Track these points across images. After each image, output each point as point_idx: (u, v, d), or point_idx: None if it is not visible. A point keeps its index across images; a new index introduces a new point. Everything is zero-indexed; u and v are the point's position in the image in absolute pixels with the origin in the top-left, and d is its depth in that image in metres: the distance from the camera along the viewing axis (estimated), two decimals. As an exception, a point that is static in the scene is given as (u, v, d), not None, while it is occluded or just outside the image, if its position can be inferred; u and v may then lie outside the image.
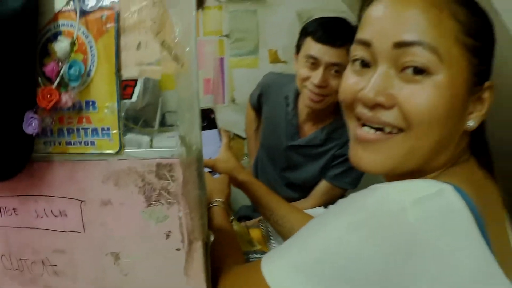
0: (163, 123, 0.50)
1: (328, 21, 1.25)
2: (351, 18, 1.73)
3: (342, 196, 1.47)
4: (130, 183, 0.52)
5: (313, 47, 1.20)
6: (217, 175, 0.94)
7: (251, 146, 1.66)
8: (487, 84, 0.51)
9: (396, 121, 0.48)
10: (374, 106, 0.49)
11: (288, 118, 1.40)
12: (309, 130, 1.39)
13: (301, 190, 1.45)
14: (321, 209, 1.29)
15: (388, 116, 0.48)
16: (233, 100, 1.69)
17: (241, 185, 0.95)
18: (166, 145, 0.50)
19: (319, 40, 1.20)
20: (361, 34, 0.52)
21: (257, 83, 1.57)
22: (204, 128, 0.94)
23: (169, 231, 0.53)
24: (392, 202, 0.43)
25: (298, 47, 1.29)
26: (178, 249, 0.54)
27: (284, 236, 0.93)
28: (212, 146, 0.96)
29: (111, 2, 0.48)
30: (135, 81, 0.49)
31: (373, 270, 0.43)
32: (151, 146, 0.51)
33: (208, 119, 0.98)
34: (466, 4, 0.49)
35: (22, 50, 0.48)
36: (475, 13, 0.49)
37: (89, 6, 0.49)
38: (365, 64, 0.51)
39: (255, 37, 1.47)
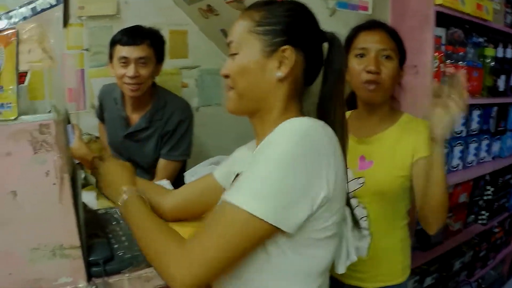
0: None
1: (127, 30, 1.67)
2: (195, 29, 2.07)
3: (183, 167, 1.80)
4: (23, 138, 0.80)
5: (121, 50, 1.62)
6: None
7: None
8: (282, 48, 0.82)
9: (229, 83, 0.86)
10: (225, 76, 0.86)
11: (119, 113, 1.77)
12: (136, 119, 1.77)
13: (148, 172, 1.76)
14: (164, 181, 1.54)
15: (228, 81, 0.86)
16: (92, 106, 1.96)
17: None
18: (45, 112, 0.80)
19: (125, 43, 1.62)
20: None
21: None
22: None
23: (48, 171, 0.81)
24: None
25: (111, 56, 1.67)
26: (54, 184, 0.81)
27: None
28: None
29: (13, 24, 0.80)
30: (26, 72, 0.79)
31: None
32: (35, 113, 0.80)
33: None
34: (263, 9, 0.85)
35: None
36: (269, 12, 0.84)
37: (0, 27, 0.80)
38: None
39: (111, 50, 1.73)
